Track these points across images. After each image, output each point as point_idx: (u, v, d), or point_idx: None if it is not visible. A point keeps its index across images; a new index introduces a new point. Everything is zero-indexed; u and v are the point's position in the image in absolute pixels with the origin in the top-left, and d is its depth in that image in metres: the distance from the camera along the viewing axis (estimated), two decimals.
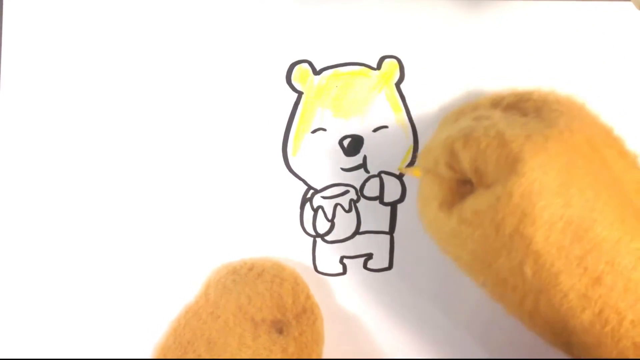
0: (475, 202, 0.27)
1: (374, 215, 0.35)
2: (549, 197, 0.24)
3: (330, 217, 0.35)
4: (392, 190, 0.35)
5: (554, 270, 0.25)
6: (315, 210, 0.35)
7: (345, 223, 0.35)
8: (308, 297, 0.33)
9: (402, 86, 0.35)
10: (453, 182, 0.29)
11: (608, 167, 0.26)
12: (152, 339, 0.34)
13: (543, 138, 0.25)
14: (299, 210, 0.35)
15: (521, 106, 0.29)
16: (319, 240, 0.35)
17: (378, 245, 0.35)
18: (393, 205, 0.35)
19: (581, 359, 0.27)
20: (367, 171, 0.35)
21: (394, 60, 0.35)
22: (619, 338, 0.25)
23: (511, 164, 0.25)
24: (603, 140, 0.27)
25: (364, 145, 0.35)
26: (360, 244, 0.35)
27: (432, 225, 0.29)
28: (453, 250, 0.29)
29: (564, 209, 0.24)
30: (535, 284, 0.26)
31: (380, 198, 0.35)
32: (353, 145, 0.35)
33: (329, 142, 0.35)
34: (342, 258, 0.35)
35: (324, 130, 0.35)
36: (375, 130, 0.35)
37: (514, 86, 0.32)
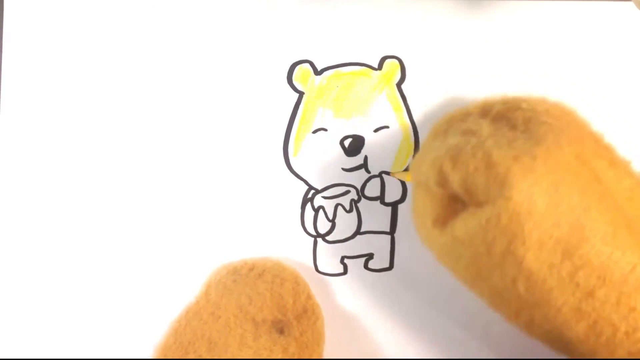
0: (467, 222, 0.27)
1: (375, 216, 0.35)
2: (537, 218, 0.25)
3: (331, 217, 0.35)
4: (393, 191, 0.35)
5: (546, 287, 0.25)
6: (316, 211, 0.35)
7: (346, 223, 0.35)
8: (309, 297, 0.33)
9: (403, 86, 0.35)
10: (445, 197, 0.29)
11: (598, 180, 0.26)
12: (152, 339, 0.33)
13: (530, 159, 0.25)
14: (299, 210, 0.35)
15: (510, 116, 0.29)
16: (319, 240, 0.35)
17: (379, 246, 0.35)
18: (394, 206, 0.35)
19: (583, 359, 0.27)
20: (368, 171, 0.35)
21: (395, 61, 0.35)
22: (613, 348, 0.26)
23: (499, 187, 0.25)
24: (593, 151, 0.27)
25: (365, 146, 0.35)
26: (361, 244, 0.35)
27: (428, 241, 0.30)
28: (449, 264, 0.29)
29: (554, 229, 0.25)
30: (529, 299, 0.26)
31: (381, 198, 0.35)
32: (354, 145, 0.35)
33: (330, 142, 0.35)
34: (342, 258, 0.35)
35: (325, 130, 0.35)
36: (376, 130, 0.35)
37: (505, 91, 0.32)
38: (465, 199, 0.27)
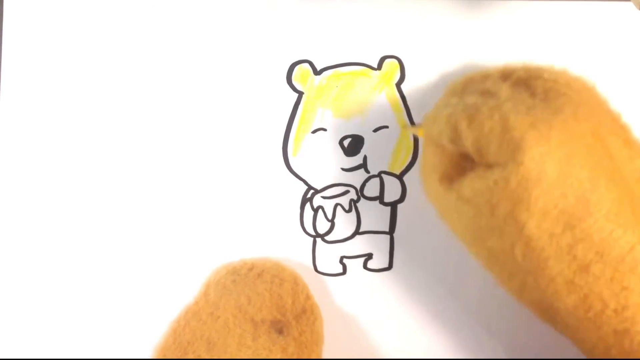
0: (474, 182, 0.27)
1: (374, 216, 0.35)
2: (545, 186, 0.25)
3: (330, 217, 0.35)
4: (392, 191, 0.35)
5: (543, 255, 0.25)
6: (315, 210, 0.35)
7: (345, 223, 0.35)
8: (308, 297, 0.33)
9: (402, 86, 0.35)
10: (455, 155, 0.29)
11: (610, 157, 0.26)
12: (152, 339, 0.33)
13: (547, 127, 0.25)
14: (299, 210, 0.35)
15: (530, 83, 0.29)
16: (319, 240, 0.35)
17: (378, 246, 0.35)
18: (393, 206, 0.35)
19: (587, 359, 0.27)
20: (367, 171, 0.35)
21: (395, 61, 0.35)
22: (600, 324, 0.26)
23: (512, 151, 0.25)
24: (609, 129, 0.27)
25: (365, 146, 0.35)
26: (360, 244, 0.35)
27: (433, 196, 0.30)
28: (450, 222, 0.29)
29: (559, 199, 0.25)
30: (524, 266, 0.26)
31: (380, 198, 0.35)
32: (353, 145, 0.35)
33: (330, 142, 0.35)
34: (342, 258, 0.35)
35: (325, 130, 0.35)
36: (375, 130, 0.35)
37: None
38: (475, 159, 0.27)
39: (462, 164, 0.28)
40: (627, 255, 0.25)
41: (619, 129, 0.28)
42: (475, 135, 0.27)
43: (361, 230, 0.35)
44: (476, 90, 0.29)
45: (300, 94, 0.35)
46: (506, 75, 0.30)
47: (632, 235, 0.25)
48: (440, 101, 0.31)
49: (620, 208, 0.25)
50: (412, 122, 0.35)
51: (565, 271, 0.25)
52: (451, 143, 0.28)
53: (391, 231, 0.35)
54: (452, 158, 0.29)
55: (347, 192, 0.35)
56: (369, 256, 0.35)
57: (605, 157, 0.26)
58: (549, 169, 0.25)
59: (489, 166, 0.27)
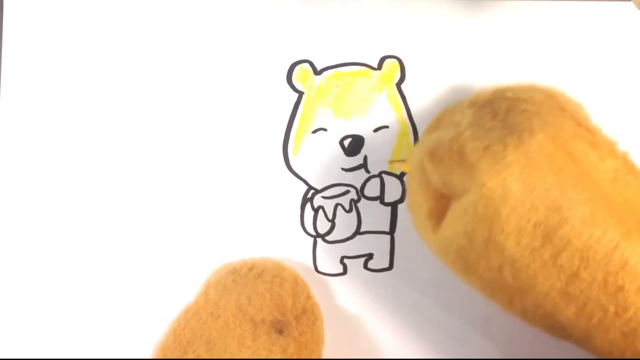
0: (449, 217, 0.27)
1: (375, 216, 0.35)
2: (513, 203, 0.25)
3: (330, 217, 0.35)
4: (393, 191, 0.35)
5: (531, 272, 0.25)
6: (316, 210, 0.35)
7: (345, 223, 0.35)
8: (308, 297, 0.33)
9: (402, 86, 0.35)
10: (431, 193, 0.29)
11: (575, 162, 0.26)
12: (152, 339, 0.33)
13: (501, 147, 0.25)
14: (299, 210, 0.35)
15: (494, 105, 0.29)
16: (319, 240, 0.35)
17: (378, 246, 0.35)
18: (393, 206, 0.35)
19: (591, 359, 0.27)
20: (367, 171, 0.35)
21: (395, 61, 0.35)
22: (606, 330, 0.25)
23: (472, 176, 0.26)
24: (571, 134, 0.27)
25: (365, 146, 0.35)
26: (361, 244, 0.35)
27: (421, 234, 0.30)
28: (440, 258, 0.29)
29: (531, 213, 0.25)
30: (517, 286, 0.26)
31: (380, 198, 0.35)
32: (354, 145, 0.35)
33: (330, 142, 0.35)
34: (342, 258, 0.35)
35: (325, 130, 0.35)
36: (376, 130, 0.35)
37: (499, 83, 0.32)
38: (447, 194, 0.28)
39: (442, 200, 0.29)
40: (613, 254, 0.25)
41: (585, 132, 0.28)
42: (438, 169, 0.27)
43: (362, 230, 0.35)
44: (447, 122, 0.30)
45: (301, 94, 0.35)
46: (473, 101, 0.30)
47: (614, 233, 0.25)
48: (417, 144, 0.31)
49: (594, 209, 0.25)
50: (412, 122, 0.35)
51: (557, 283, 0.25)
52: (423, 182, 0.29)
53: (392, 231, 0.35)
54: (433, 195, 0.29)
55: (347, 192, 0.35)
56: (369, 256, 0.35)
57: (569, 163, 0.26)
58: (512, 185, 0.25)
59: (459, 197, 0.27)
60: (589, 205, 0.25)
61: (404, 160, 0.35)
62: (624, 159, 0.28)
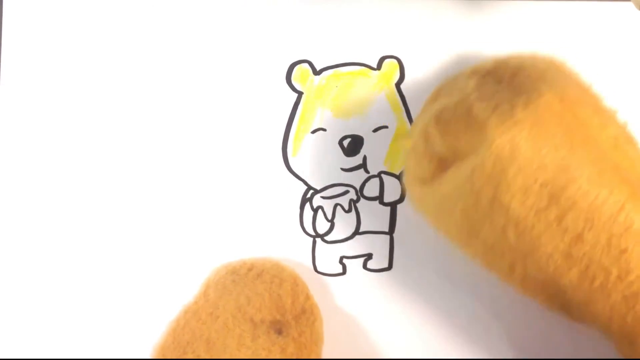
0: (454, 175, 0.27)
1: (374, 216, 0.35)
2: (521, 162, 0.25)
3: (330, 217, 0.35)
4: (392, 191, 0.35)
5: (535, 233, 0.25)
6: (315, 211, 0.35)
7: (345, 223, 0.35)
8: (307, 297, 0.33)
9: (402, 86, 0.35)
10: (434, 160, 0.29)
11: (582, 125, 0.26)
12: (151, 339, 0.33)
13: (509, 106, 0.25)
14: (298, 211, 0.35)
15: (497, 72, 0.29)
16: (318, 240, 0.35)
17: (378, 246, 0.35)
18: (393, 206, 0.35)
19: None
20: (367, 171, 0.35)
21: (394, 61, 0.35)
22: (608, 293, 0.25)
23: (480, 136, 0.25)
24: (577, 99, 0.27)
25: (364, 146, 0.35)
26: (360, 244, 0.35)
27: (419, 203, 0.30)
28: (441, 224, 0.29)
29: (538, 172, 0.25)
30: (520, 248, 0.26)
31: (380, 198, 0.35)
32: (353, 145, 0.35)
33: (329, 142, 0.35)
34: (341, 258, 0.35)
35: (324, 130, 0.35)
36: (375, 130, 0.35)
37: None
38: (451, 159, 0.28)
39: (442, 167, 0.28)
40: (618, 216, 0.24)
41: (589, 98, 0.28)
42: (444, 134, 0.27)
43: (361, 230, 0.35)
44: (447, 92, 0.29)
45: (300, 94, 0.35)
46: (475, 71, 0.30)
47: (620, 194, 0.24)
48: (419, 113, 0.31)
49: (601, 169, 0.25)
50: (411, 122, 0.35)
51: (560, 245, 0.25)
52: (426, 150, 0.29)
53: (391, 231, 0.35)
54: (432, 163, 0.29)
55: (346, 192, 0.35)
56: (368, 256, 0.35)
57: (577, 125, 0.26)
58: (521, 144, 0.25)
59: (465, 158, 0.27)
60: (596, 165, 0.25)
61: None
62: (624, 128, 0.27)
